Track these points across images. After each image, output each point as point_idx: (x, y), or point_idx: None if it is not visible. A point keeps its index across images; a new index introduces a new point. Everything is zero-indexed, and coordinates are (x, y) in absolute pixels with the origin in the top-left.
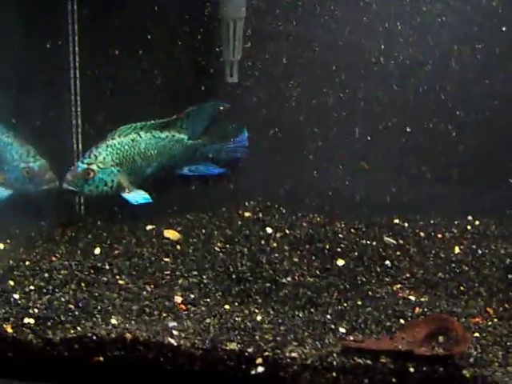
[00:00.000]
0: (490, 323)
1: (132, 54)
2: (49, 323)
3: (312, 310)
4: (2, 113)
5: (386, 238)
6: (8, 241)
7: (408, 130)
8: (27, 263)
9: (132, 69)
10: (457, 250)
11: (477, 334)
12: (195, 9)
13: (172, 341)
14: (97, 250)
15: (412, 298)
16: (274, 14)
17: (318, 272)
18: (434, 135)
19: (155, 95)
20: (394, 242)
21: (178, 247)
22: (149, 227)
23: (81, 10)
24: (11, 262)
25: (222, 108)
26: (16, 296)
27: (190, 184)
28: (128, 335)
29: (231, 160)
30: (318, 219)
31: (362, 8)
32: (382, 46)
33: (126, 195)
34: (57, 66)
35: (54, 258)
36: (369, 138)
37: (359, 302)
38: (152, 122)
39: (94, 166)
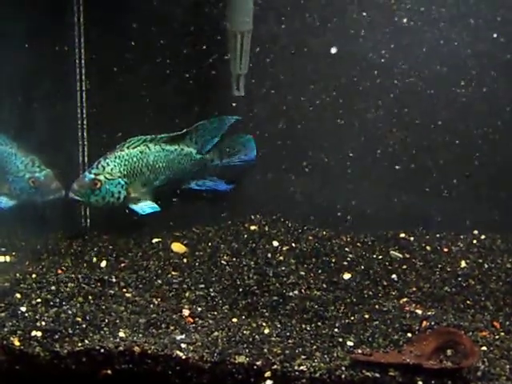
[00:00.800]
0: (497, 337)
1: (138, 68)
2: (56, 336)
3: (319, 323)
4: (8, 125)
5: (392, 252)
6: (14, 253)
7: (415, 144)
8: (34, 276)
9: (138, 82)
10: (463, 264)
11: (484, 348)
12: (203, 21)
13: (180, 354)
14: (103, 263)
15: (419, 311)
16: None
17: (324, 285)
18: (440, 150)
19: (162, 108)
20: (401, 255)
21: (185, 260)
22: (155, 240)
23: (87, 23)
24: (18, 274)
25: (234, 120)
26: (23, 309)
27: (196, 197)
28: (136, 348)
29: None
30: (324, 233)
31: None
32: (400, 63)
33: (133, 206)
34: (63, 79)
35: (60, 271)
36: (376, 152)
37: (366, 316)
38: (161, 135)
39: (101, 177)
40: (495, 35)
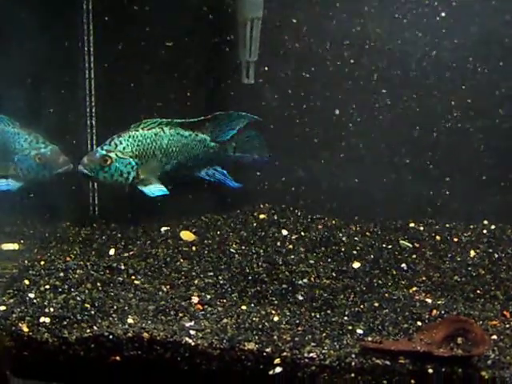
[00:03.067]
0: (507, 326)
1: (147, 56)
2: (65, 322)
3: (329, 311)
4: (17, 113)
5: (401, 242)
6: (22, 241)
7: (424, 134)
8: (42, 263)
9: (147, 70)
10: (473, 253)
11: (494, 337)
12: (212, 9)
13: (189, 340)
14: (111, 251)
15: (429, 300)
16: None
17: (333, 274)
18: (451, 140)
19: (171, 97)
20: (410, 245)
21: (194, 248)
22: (164, 228)
23: (96, 11)
24: (26, 261)
25: (253, 119)
26: (31, 295)
27: (204, 186)
28: (145, 335)
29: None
30: (334, 222)
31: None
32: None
33: (143, 188)
34: (72, 68)
35: (68, 258)
36: (385, 143)
37: (376, 304)
38: (178, 119)
39: (112, 154)
40: None
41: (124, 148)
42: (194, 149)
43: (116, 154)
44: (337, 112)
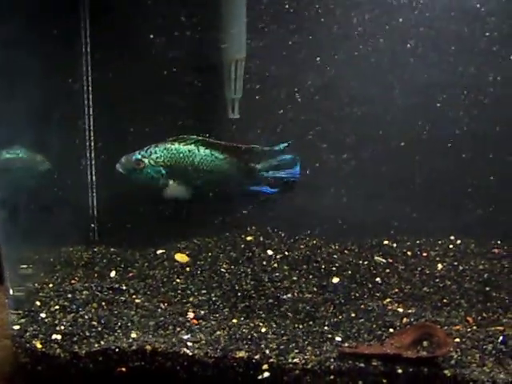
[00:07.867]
0: (469, 330)
1: (144, 90)
2: (75, 338)
3: (311, 322)
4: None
5: (376, 258)
6: (30, 265)
7: (396, 155)
8: (50, 286)
9: (148, 107)
10: (440, 266)
11: (457, 340)
12: (201, 48)
13: (187, 351)
14: (112, 273)
15: (400, 310)
16: None
17: (315, 289)
18: (419, 162)
19: (171, 131)
20: (384, 260)
21: (188, 269)
22: (159, 251)
23: (94, 47)
24: (36, 284)
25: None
26: (43, 315)
27: (199, 212)
28: (148, 347)
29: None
30: (314, 241)
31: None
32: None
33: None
34: (72, 102)
35: (74, 281)
36: (360, 166)
37: (353, 315)
38: (217, 141)
39: (145, 160)
40: None
41: (157, 157)
42: (227, 170)
43: (149, 161)
44: (319, 136)
